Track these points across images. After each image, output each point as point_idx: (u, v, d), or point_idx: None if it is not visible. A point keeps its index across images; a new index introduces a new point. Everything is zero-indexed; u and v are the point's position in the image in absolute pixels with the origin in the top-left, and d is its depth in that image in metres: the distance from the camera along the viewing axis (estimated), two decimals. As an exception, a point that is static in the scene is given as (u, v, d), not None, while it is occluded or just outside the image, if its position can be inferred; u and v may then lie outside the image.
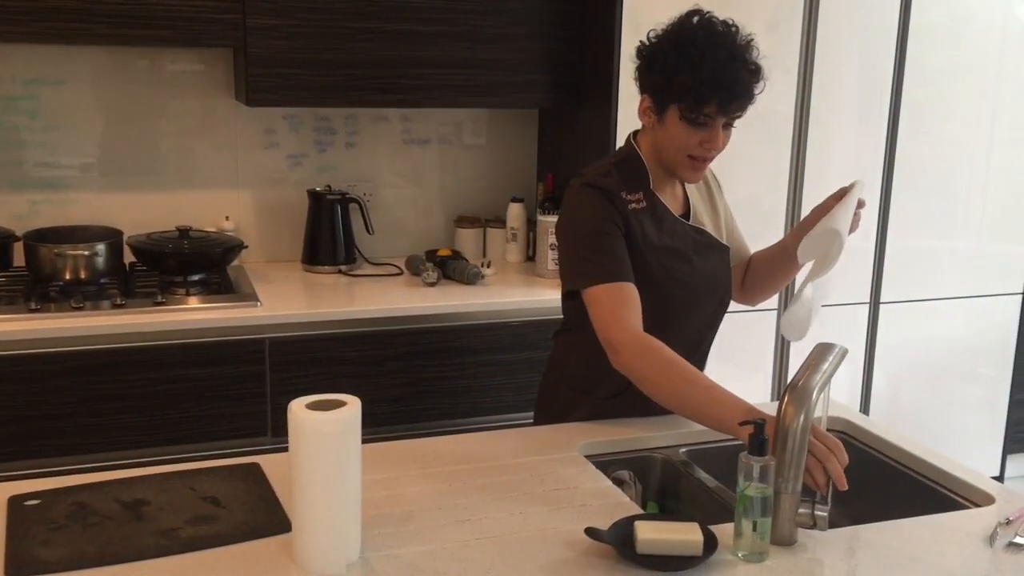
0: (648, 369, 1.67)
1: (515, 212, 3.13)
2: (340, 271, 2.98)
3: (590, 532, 1.39)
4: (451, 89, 2.85)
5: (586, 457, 1.73)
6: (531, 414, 2.84)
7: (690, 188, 1.94)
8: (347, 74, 2.74)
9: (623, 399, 1.84)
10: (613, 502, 1.56)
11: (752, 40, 1.76)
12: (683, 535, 1.36)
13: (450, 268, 2.90)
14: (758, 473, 1.35)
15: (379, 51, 2.76)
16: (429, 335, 2.68)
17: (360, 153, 3.14)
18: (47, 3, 2.46)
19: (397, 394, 2.67)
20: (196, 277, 2.73)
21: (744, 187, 2.97)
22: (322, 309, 2.64)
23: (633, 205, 1.81)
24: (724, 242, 1.95)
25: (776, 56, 2.92)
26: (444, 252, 3.00)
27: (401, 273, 2.99)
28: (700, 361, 1.95)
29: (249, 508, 1.48)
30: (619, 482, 1.70)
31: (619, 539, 1.37)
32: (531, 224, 3.13)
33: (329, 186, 3.05)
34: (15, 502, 1.47)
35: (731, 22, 1.77)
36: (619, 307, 1.71)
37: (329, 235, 2.99)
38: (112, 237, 2.69)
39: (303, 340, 2.56)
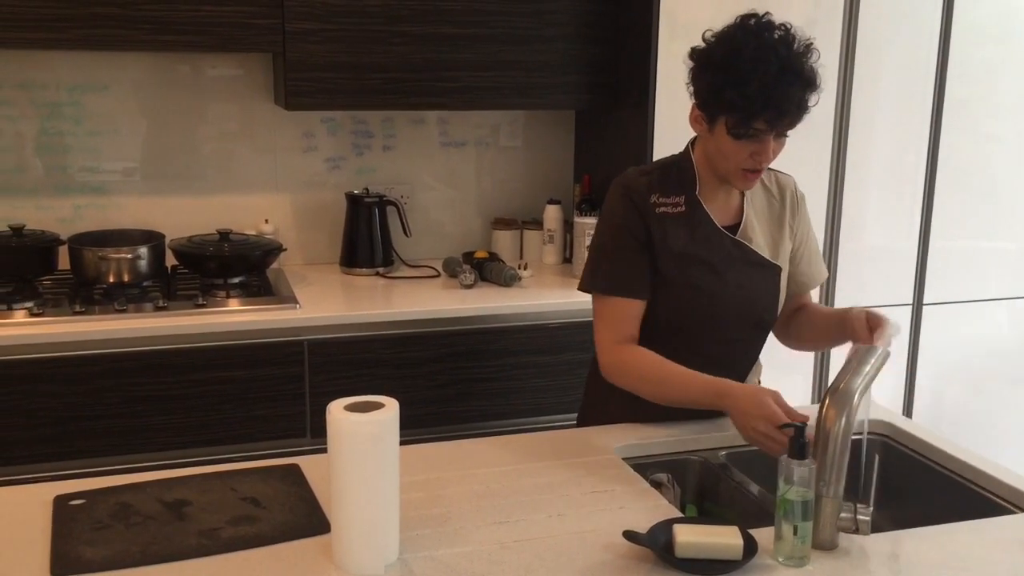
0: (629, 386, 1.80)
1: (552, 214, 3.13)
2: (378, 273, 3.00)
3: (628, 535, 1.38)
4: (487, 91, 2.85)
5: (624, 459, 1.72)
6: (569, 416, 2.83)
7: (751, 201, 1.86)
8: (384, 77, 2.76)
9: None
10: (651, 505, 1.55)
11: (811, 45, 1.69)
12: (723, 539, 1.35)
13: (487, 270, 2.90)
14: (799, 477, 1.34)
15: (415, 54, 2.77)
16: (466, 337, 2.68)
17: (397, 156, 3.16)
18: (89, 10, 2.50)
19: (434, 396, 2.68)
20: (236, 280, 2.76)
21: (783, 187, 2.95)
22: (360, 311, 2.65)
23: (664, 208, 1.79)
24: (777, 263, 1.85)
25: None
26: (481, 254, 3.01)
27: (438, 275, 3.00)
28: (736, 378, 1.80)
29: (289, 509, 1.49)
30: (657, 485, 1.69)
31: (658, 542, 1.37)
32: (568, 226, 3.13)
33: (367, 189, 3.06)
34: (60, 502, 1.50)
35: (789, 27, 1.69)
36: (610, 326, 1.80)
37: (367, 238, 3.00)
38: (154, 240, 2.73)
39: (341, 342, 2.58)
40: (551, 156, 3.31)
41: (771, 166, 1.82)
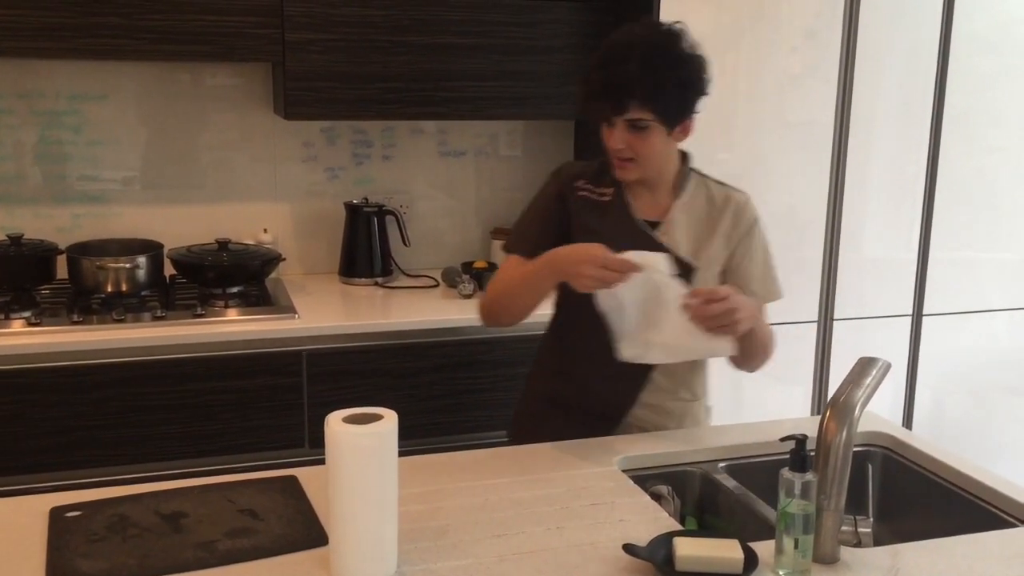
0: (494, 313, 1.92)
1: (551, 224, 3.12)
2: (377, 283, 2.99)
3: (628, 548, 1.38)
4: (487, 101, 2.85)
5: (623, 471, 1.71)
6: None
7: (686, 204, 1.86)
8: (384, 87, 2.76)
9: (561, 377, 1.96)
10: (651, 517, 1.54)
11: (679, 39, 1.74)
12: (723, 552, 1.34)
13: (486, 280, 2.89)
14: (800, 490, 1.33)
15: (415, 64, 2.77)
16: (465, 347, 2.68)
17: (396, 165, 3.15)
18: (90, 20, 2.49)
19: (433, 406, 2.67)
20: (235, 289, 2.75)
21: (781, 197, 2.94)
22: (359, 321, 2.64)
23: (585, 193, 1.87)
24: (692, 262, 1.83)
25: (815, 65, 2.90)
26: (480, 264, 3.00)
27: (437, 285, 2.99)
28: (642, 375, 1.87)
29: (287, 521, 1.48)
30: (657, 497, 1.69)
31: (658, 556, 1.36)
32: (567, 236, 3.12)
33: (366, 198, 3.06)
34: (56, 513, 1.49)
35: (668, 26, 1.76)
36: (498, 275, 1.94)
37: (366, 247, 3.00)
38: (152, 250, 2.73)
39: (340, 352, 2.57)
40: (551, 165, 3.26)
41: (729, 183, 1.90)
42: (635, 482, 1.67)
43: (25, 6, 2.44)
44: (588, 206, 1.87)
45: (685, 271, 1.80)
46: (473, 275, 2.90)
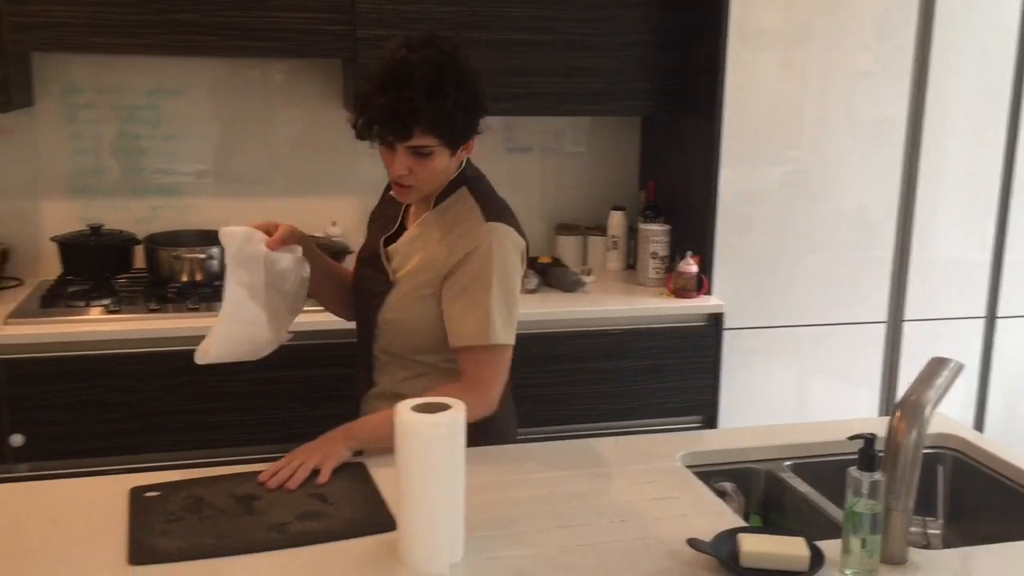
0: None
1: (616, 220, 3.13)
2: (442, 277, 3.02)
3: (692, 543, 1.38)
4: (554, 97, 2.86)
5: (687, 467, 1.71)
6: (630, 423, 2.83)
7: (430, 219, 1.77)
8: (452, 83, 2.78)
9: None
10: (715, 513, 1.54)
11: (460, 58, 1.66)
12: (789, 549, 1.34)
13: (550, 275, 2.91)
14: (868, 489, 1.32)
15: (483, 60, 2.78)
16: (529, 342, 2.68)
17: (463, 161, 3.18)
18: (170, 17, 2.57)
19: (496, 399, 2.69)
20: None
21: (851, 196, 2.91)
22: (424, 314, 2.67)
23: (393, 193, 1.81)
24: (392, 274, 1.78)
25: (888, 61, 2.85)
26: (544, 259, 3.01)
27: (502, 279, 3.01)
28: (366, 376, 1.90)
29: (355, 506, 1.52)
30: (721, 494, 1.68)
31: (722, 551, 1.36)
32: (632, 232, 3.12)
33: (433, 193, 3.09)
34: (136, 493, 1.55)
35: (447, 43, 1.67)
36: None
37: (432, 241, 3.03)
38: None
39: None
40: (616, 162, 3.31)
41: (493, 212, 1.75)
42: (699, 478, 1.67)
43: (108, 3, 2.52)
44: (388, 204, 1.89)
45: (385, 283, 1.79)
46: (537, 270, 2.91)
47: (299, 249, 1.79)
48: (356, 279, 1.92)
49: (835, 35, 2.80)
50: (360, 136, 1.68)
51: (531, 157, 3.24)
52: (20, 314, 2.47)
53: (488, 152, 3.19)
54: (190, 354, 2.46)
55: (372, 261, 1.85)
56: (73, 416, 2.42)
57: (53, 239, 2.76)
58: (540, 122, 3.21)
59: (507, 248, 1.74)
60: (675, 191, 3.04)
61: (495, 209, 1.77)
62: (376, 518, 1.48)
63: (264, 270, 1.71)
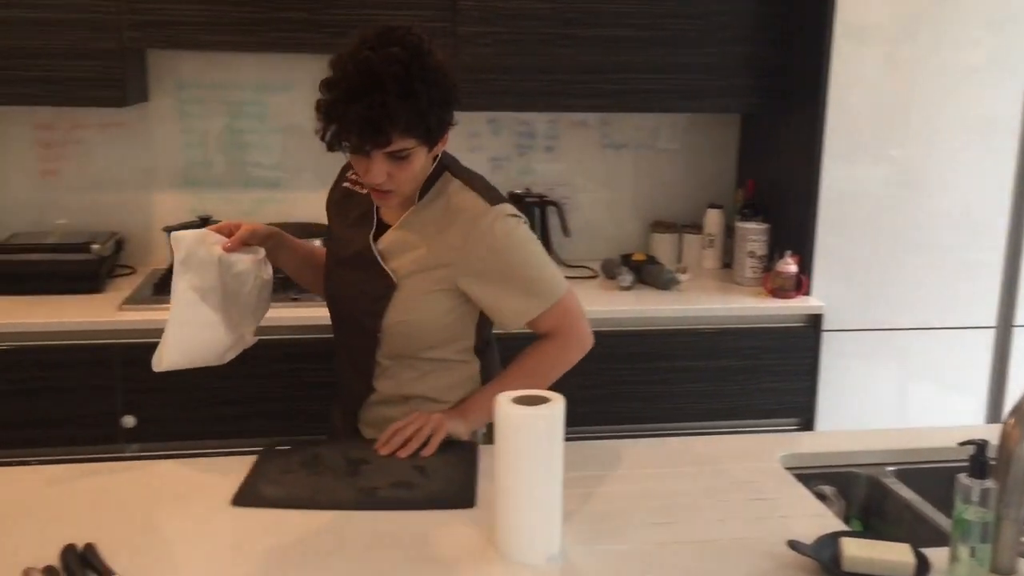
0: None
1: (713, 218, 3.10)
2: (536, 272, 3.04)
3: (793, 545, 1.36)
4: (652, 94, 2.85)
5: (787, 469, 1.69)
6: (725, 422, 2.80)
7: (417, 213, 1.70)
8: (550, 79, 2.80)
9: None
10: (815, 516, 1.52)
11: (426, 51, 1.57)
12: (893, 555, 1.31)
13: (645, 272, 2.90)
14: (978, 496, 1.28)
15: (582, 56, 2.80)
16: (623, 338, 2.69)
17: (558, 157, 3.19)
18: (278, 15, 2.64)
19: (588, 396, 2.69)
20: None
21: (958, 197, 2.82)
22: (519, 309, 2.69)
23: (348, 184, 1.80)
24: (392, 272, 1.69)
25: (1000, 58, 2.75)
26: (639, 257, 3.00)
27: (596, 276, 3.02)
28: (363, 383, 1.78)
29: (447, 480, 1.56)
30: (821, 497, 1.66)
31: (824, 555, 1.34)
32: (729, 231, 3.08)
33: (528, 189, 3.11)
34: (270, 447, 1.68)
35: (409, 37, 1.57)
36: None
37: (527, 237, 3.05)
38: (327, 234, 2.85)
39: (499, 337, 2.62)
40: (712, 160, 3.27)
41: (484, 192, 1.69)
42: (799, 480, 1.65)
43: (220, 2, 2.61)
44: (345, 197, 1.80)
45: (387, 286, 1.69)
46: (632, 267, 2.91)
47: (261, 251, 1.74)
48: (338, 284, 1.79)
49: (944, 30, 2.71)
50: (331, 148, 1.58)
51: (627, 154, 3.23)
52: (133, 301, 2.58)
53: (584, 148, 3.20)
54: (296, 342, 2.54)
55: (361, 263, 1.72)
56: (181, 400, 2.51)
57: (165, 229, 2.87)
58: (636, 119, 3.20)
59: (519, 221, 1.71)
60: (774, 189, 2.99)
61: (493, 193, 1.71)
62: (459, 494, 1.52)
63: (218, 273, 1.66)
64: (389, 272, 1.69)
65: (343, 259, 1.76)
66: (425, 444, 1.65)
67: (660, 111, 3.09)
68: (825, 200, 2.76)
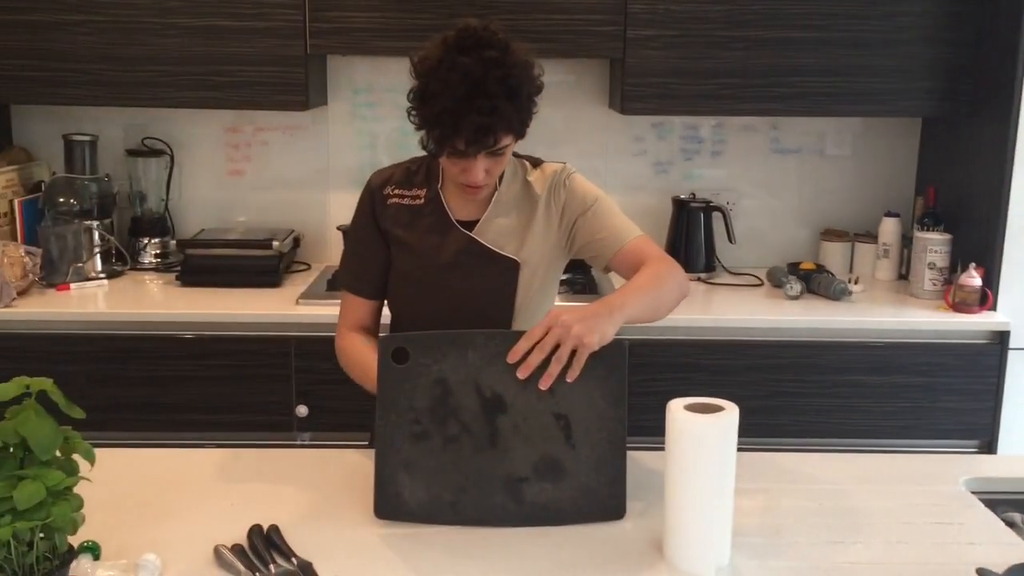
0: (347, 372, 1.80)
1: (889, 227, 2.96)
2: (699, 278, 2.99)
3: (982, 573, 1.29)
4: (825, 97, 2.76)
5: (972, 493, 1.60)
6: (897, 441, 2.67)
7: (503, 196, 1.74)
8: (719, 83, 2.75)
9: None
10: (1005, 544, 1.43)
11: (512, 48, 1.57)
12: (1097, 592, 1.22)
13: (814, 282, 2.80)
14: None
15: (753, 59, 2.73)
16: (789, 349, 2.61)
17: (725, 161, 3.13)
18: (448, 22, 2.67)
19: (753, 406, 2.62)
20: (564, 276, 2.86)
21: None
22: (680, 315, 2.65)
23: (395, 200, 1.76)
24: (514, 256, 1.72)
25: None
26: (808, 265, 2.91)
27: (761, 284, 2.94)
28: None
29: (594, 467, 1.47)
30: (1010, 524, 1.55)
31: (1017, 585, 1.26)
32: (906, 240, 2.94)
33: (693, 194, 3.07)
34: (387, 343, 1.50)
35: (501, 44, 1.57)
36: (342, 315, 1.83)
37: (691, 242, 3.01)
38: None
39: (658, 344, 2.60)
40: (888, 166, 3.14)
41: (541, 157, 1.80)
42: (985, 505, 1.56)
43: (396, 10, 2.69)
44: (401, 212, 1.75)
45: (510, 269, 1.72)
46: (800, 276, 2.82)
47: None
48: (444, 289, 1.74)
49: None
50: (439, 153, 1.61)
51: (795, 159, 3.14)
52: (308, 295, 2.70)
53: (751, 153, 3.13)
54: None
55: (469, 260, 1.72)
56: (351, 391, 2.60)
57: (339, 228, 2.99)
58: (806, 123, 3.10)
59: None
60: (958, 198, 2.83)
61: (537, 157, 1.83)
62: (608, 503, 1.47)
63: None
64: (508, 255, 1.73)
65: (443, 265, 1.73)
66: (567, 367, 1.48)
67: (831, 115, 2.97)
68: (1015, 210, 2.60)
